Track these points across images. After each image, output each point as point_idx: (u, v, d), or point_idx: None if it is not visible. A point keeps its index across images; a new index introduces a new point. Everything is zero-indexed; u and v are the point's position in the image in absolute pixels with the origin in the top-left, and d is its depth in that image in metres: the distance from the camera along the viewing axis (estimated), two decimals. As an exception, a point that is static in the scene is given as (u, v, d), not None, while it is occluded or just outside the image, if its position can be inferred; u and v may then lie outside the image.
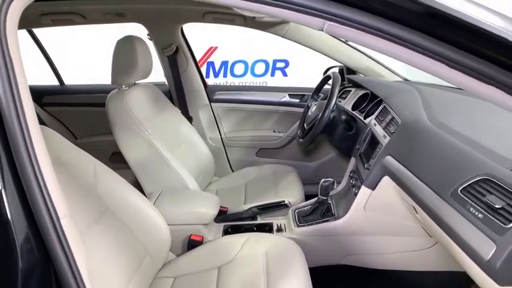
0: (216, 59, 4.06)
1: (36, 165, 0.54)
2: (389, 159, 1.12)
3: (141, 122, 1.51)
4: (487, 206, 0.69)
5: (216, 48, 4.02)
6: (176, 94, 2.06)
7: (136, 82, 1.63)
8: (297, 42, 1.87)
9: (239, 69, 4.16)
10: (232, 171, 2.26)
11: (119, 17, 1.77)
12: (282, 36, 1.84)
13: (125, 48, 1.51)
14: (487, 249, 0.65)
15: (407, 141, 1.09)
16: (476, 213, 0.70)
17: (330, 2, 0.59)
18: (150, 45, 1.70)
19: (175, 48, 1.93)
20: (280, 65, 4.14)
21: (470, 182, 0.76)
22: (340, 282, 1.43)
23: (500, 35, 0.49)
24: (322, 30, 0.62)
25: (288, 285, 1.07)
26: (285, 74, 4.14)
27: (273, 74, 4.17)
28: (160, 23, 1.87)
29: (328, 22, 0.60)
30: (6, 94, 0.53)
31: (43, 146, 0.57)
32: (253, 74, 4.16)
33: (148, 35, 1.91)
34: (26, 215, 0.54)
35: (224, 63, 4.13)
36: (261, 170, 1.99)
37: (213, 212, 1.40)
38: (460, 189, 0.77)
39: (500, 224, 0.65)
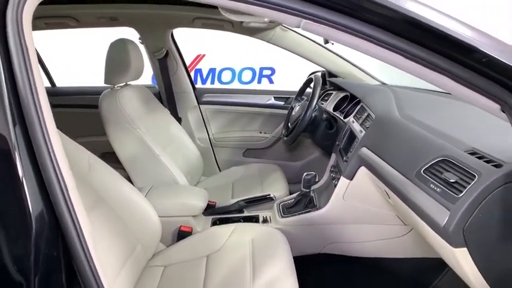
0: (204, 66, 4.14)
1: (48, 142, 0.62)
2: (365, 151, 1.23)
3: (133, 119, 1.58)
4: (444, 181, 0.80)
5: (203, 55, 4.10)
6: (166, 96, 2.14)
7: (127, 83, 1.71)
8: (281, 48, 1.98)
9: (226, 76, 4.24)
10: (220, 171, 2.34)
11: (112, 21, 1.85)
12: (268, 42, 1.95)
13: (118, 50, 1.59)
14: (443, 216, 0.75)
15: (379, 133, 1.20)
16: (435, 188, 0.81)
17: (305, 2, 0.69)
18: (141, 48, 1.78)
19: (165, 51, 2.02)
20: (266, 72, 4.24)
21: (431, 163, 0.87)
22: (322, 270, 1.51)
23: (440, 29, 0.60)
24: (299, 27, 0.72)
25: (273, 268, 1.15)
26: (271, 81, 4.24)
27: (259, 81, 4.26)
28: (151, 27, 1.96)
29: (304, 20, 0.70)
30: (24, 80, 0.60)
31: (53, 123, 0.65)
32: (240, 81, 4.24)
33: (139, 38, 1.99)
34: (38, 184, 0.61)
35: (212, 71, 4.20)
36: (247, 169, 2.08)
37: (202, 204, 1.48)
38: (423, 169, 0.88)
39: (453, 194, 0.75)
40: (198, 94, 2.27)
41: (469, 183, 0.73)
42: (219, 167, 2.35)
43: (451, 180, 0.77)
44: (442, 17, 0.63)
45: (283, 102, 2.26)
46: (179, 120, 2.19)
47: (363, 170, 1.25)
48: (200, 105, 2.26)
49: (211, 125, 2.31)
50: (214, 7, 1.68)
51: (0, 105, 0.58)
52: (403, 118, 1.14)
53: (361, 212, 1.38)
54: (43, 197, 0.61)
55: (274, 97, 2.28)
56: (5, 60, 0.60)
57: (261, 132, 2.32)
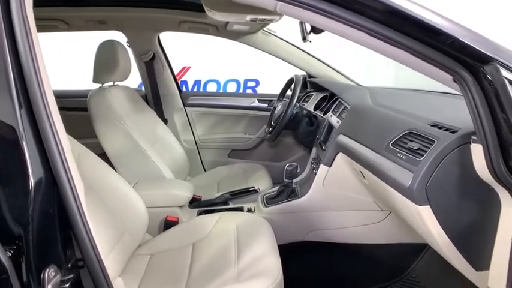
0: (189, 78, 4.20)
1: (47, 106, 0.67)
2: (341, 137, 1.32)
3: (121, 116, 1.63)
4: (409, 150, 0.89)
5: (189, 68, 4.17)
6: (152, 97, 2.20)
7: (115, 84, 1.77)
8: (263, 51, 2.08)
9: (211, 88, 4.31)
10: (205, 171, 2.39)
11: (101, 24, 1.91)
12: (251, 45, 2.06)
13: (107, 50, 1.65)
14: (407, 178, 0.83)
15: (354, 119, 1.30)
16: (402, 156, 0.90)
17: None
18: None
19: (152, 54, 2.10)
20: (251, 84, 4.33)
21: (399, 137, 0.96)
22: (304, 257, 1.56)
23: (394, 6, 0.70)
24: (276, 10, 0.81)
25: (257, 248, 1.20)
26: (255, 93, 4.34)
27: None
28: (139, 31, 2.03)
29: (280, 3, 0.79)
30: (28, 62, 0.66)
31: (52, 95, 0.70)
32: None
33: (127, 42, 2.06)
34: (38, 146, 0.66)
35: (197, 82, 4.26)
36: (232, 168, 2.14)
37: (188, 194, 1.52)
38: (391, 143, 0.97)
39: (416, 158, 0.84)
40: (184, 97, 2.34)
41: (429, 148, 0.82)
42: (204, 168, 2.40)
43: (415, 148, 0.86)
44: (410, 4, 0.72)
45: (266, 104, 2.35)
46: (165, 121, 2.24)
47: (340, 156, 1.34)
48: (186, 108, 2.33)
49: (197, 127, 2.38)
50: (200, 11, 1.78)
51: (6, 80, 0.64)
52: (375, 105, 1.24)
53: (340, 198, 1.45)
54: (41, 157, 0.66)
55: (257, 99, 2.37)
56: (10, 45, 0.65)
57: (245, 134, 2.39)
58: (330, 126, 1.55)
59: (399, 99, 1.40)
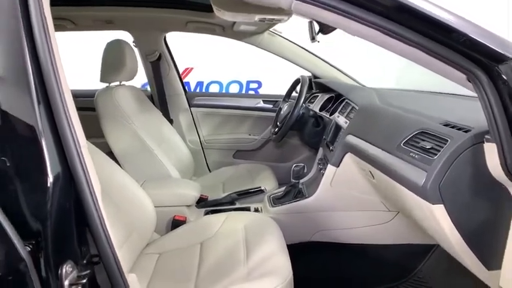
0: (192, 79, 4.21)
1: (65, 102, 0.68)
2: (350, 137, 1.32)
3: (128, 115, 1.63)
4: (421, 149, 0.89)
5: (191, 69, 4.18)
6: (158, 97, 2.21)
7: (122, 83, 1.77)
8: (269, 52, 2.09)
9: (214, 89, 4.32)
10: (210, 172, 2.39)
11: (108, 24, 1.92)
12: (257, 46, 2.06)
13: (114, 50, 1.66)
14: (420, 177, 0.83)
15: (363, 119, 1.30)
16: (414, 155, 0.90)
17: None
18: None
19: (158, 54, 2.10)
20: (253, 85, 4.33)
21: (410, 136, 0.96)
22: (311, 258, 1.56)
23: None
24: (290, 9, 0.81)
25: (266, 247, 1.19)
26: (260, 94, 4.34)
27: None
28: (145, 31, 2.04)
29: (295, 1, 0.79)
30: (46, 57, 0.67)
31: (69, 91, 0.71)
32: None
33: (133, 42, 2.07)
34: (55, 140, 0.67)
35: (199, 84, 4.27)
36: (237, 169, 2.14)
37: (196, 194, 1.52)
38: (403, 142, 0.97)
39: (429, 157, 0.84)
40: (190, 97, 2.34)
41: (443, 147, 0.83)
42: (209, 169, 2.40)
43: (427, 147, 0.87)
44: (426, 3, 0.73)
45: (271, 105, 2.35)
46: (171, 121, 2.25)
47: (348, 156, 1.34)
48: (191, 108, 2.33)
49: (202, 127, 2.38)
50: (207, 11, 1.79)
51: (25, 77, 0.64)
52: (384, 104, 1.24)
53: (348, 198, 1.46)
54: (59, 152, 0.67)
55: (262, 100, 2.37)
56: (28, 41, 0.66)
57: (250, 135, 2.39)
58: (338, 127, 1.56)
59: (407, 100, 1.40)
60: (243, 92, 4.34)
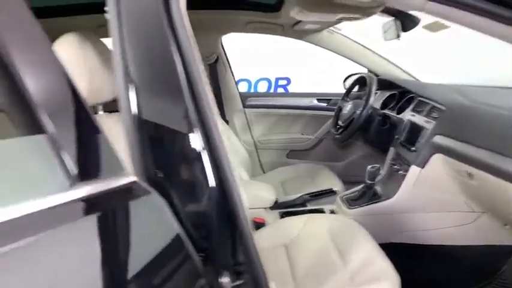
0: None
1: (210, 108, 0.67)
2: (439, 138, 1.29)
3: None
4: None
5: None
6: (215, 99, 2.21)
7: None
8: (328, 49, 2.06)
9: (243, 87, 4.31)
10: (264, 172, 2.39)
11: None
12: (316, 44, 2.04)
13: None
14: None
15: (455, 119, 1.26)
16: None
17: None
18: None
19: (216, 57, 2.10)
20: (282, 82, 4.29)
21: None
22: (392, 260, 1.54)
23: None
24: (424, 9, 0.79)
25: (362, 252, 1.17)
26: (287, 91, 4.31)
27: (275, 91, 4.34)
28: (203, 32, 2.04)
29: (431, 2, 0.77)
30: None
31: (212, 96, 0.70)
32: (256, 92, 4.31)
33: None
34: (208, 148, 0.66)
35: (229, 83, 4.26)
36: (294, 169, 2.13)
37: (273, 196, 1.52)
38: None
39: None
40: (243, 98, 2.34)
41: None
42: (263, 169, 2.40)
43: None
44: None
45: (325, 104, 2.33)
46: (226, 122, 2.26)
47: (436, 157, 1.31)
48: (245, 109, 2.33)
49: (256, 128, 2.38)
50: (270, 11, 1.77)
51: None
52: (473, 103, 1.20)
53: (430, 200, 1.42)
54: (213, 162, 0.67)
55: (316, 99, 2.35)
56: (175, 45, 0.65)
57: (302, 134, 2.38)
58: (414, 126, 1.52)
59: (492, 96, 1.35)
60: (272, 89, 4.31)
